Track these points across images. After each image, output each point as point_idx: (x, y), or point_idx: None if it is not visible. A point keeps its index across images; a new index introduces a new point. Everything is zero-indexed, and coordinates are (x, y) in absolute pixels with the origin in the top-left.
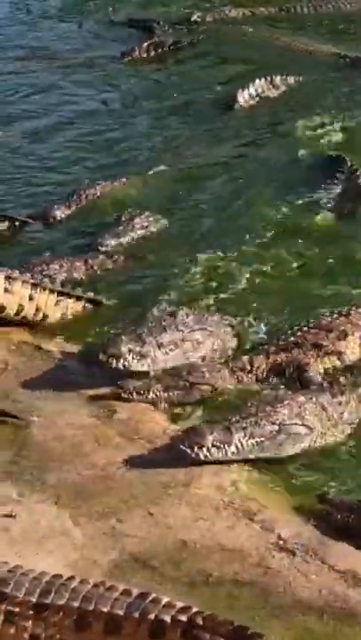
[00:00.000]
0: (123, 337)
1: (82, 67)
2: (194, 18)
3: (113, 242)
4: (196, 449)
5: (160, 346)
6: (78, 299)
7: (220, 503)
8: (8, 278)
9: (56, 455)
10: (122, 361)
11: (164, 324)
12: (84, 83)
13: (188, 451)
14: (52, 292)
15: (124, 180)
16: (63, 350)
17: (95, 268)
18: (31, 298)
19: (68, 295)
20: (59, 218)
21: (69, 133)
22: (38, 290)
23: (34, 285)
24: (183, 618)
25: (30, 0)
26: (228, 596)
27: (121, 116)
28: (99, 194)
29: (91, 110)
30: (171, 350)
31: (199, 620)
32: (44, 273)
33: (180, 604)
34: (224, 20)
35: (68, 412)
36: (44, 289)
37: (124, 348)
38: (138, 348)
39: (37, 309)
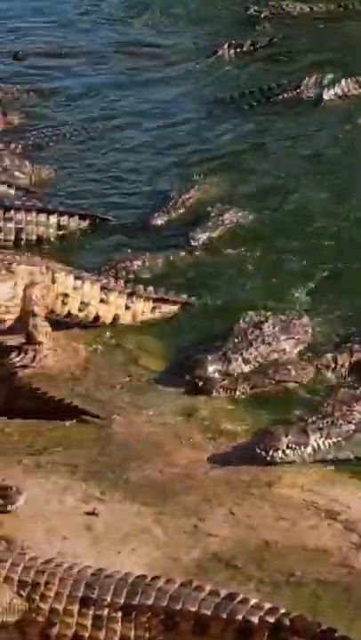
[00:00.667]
0: (208, 357)
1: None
2: (250, 12)
3: (203, 236)
4: (271, 452)
5: (246, 362)
6: (174, 302)
7: (302, 503)
8: (104, 289)
9: (138, 454)
10: (209, 384)
11: (250, 337)
12: (169, 79)
13: (263, 454)
14: (147, 299)
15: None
16: (144, 348)
17: (177, 263)
18: (127, 307)
19: (162, 300)
20: (159, 225)
21: (151, 133)
22: (134, 299)
23: (130, 295)
24: (271, 619)
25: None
26: (312, 596)
27: (204, 113)
28: (193, 196)
29: (171, 107)
30: (257, 364)
31: (287, 622)
32: (127, 270)
33: (267, 606)
34: (282, 14)
35: (149, 411)
36: (140, 297)
37: (210, 369)
38: (224, 368)
39: (134, 317)
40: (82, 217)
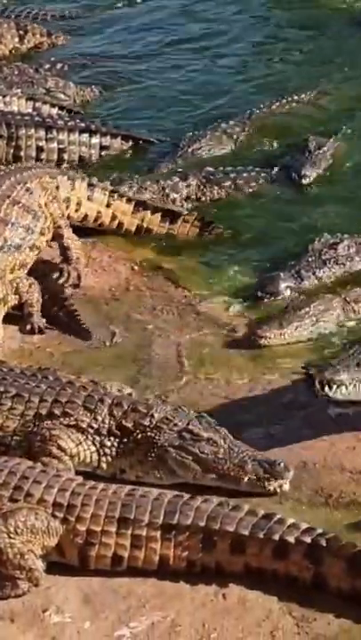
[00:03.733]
0: (281, 274)
1: None
2: None
3: (314, 173)
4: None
5: (319, 280)
6: (155, 210)
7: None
8: (90, 185)
9: (176, 374)
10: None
11: (324, 257)
12: None
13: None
14: (129, 200)
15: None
16: (184, 269)
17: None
18: (108, 205)
19: (144, 205)
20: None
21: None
22: (115, 196)
23: (111, 192)
24: (307, 539)
25: None
26: (348, 517)
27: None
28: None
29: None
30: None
31: (323, 542)
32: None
33: (304, 526)
34: None
35: (188, 331)
36: (122, 196)
37: (282, 286)
38: (296, 285)
39: (114, 217)
40: (125, 138)
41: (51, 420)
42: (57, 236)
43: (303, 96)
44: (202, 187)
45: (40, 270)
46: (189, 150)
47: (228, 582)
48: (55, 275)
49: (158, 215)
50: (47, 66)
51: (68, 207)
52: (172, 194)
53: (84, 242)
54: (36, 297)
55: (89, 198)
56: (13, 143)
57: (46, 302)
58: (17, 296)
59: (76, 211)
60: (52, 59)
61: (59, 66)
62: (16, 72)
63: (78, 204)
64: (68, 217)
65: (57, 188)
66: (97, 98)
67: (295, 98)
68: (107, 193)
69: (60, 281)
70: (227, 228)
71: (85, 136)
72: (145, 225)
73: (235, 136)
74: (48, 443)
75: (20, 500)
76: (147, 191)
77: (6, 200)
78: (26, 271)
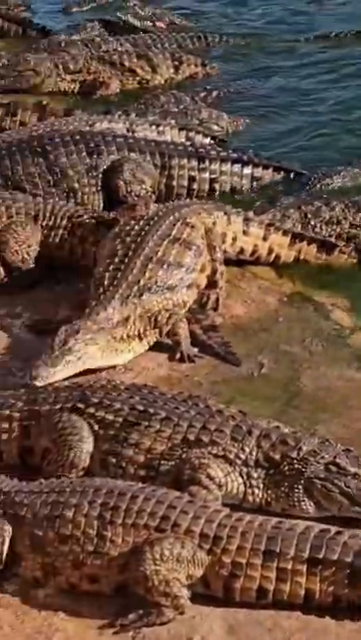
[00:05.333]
0: None
1: None
2: None
3: None
4: None
5: None
6: (311, 241)
7: None
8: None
9: (326, 407)
10: None
11: None
12: None
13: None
14: (285, 233)
15: None
16: (335, 303)
17: None
18: (265, 239)
19: (301, 237)
20: None
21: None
22: (272, 230)
23: (268, 226)
24: None
25: None
26: None
27: None
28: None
29: None
30: None
31: None
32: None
33: None
34: None
35: (338, 364)
36: (278, 230)
37: None
38: None
39: (270, 251)
40: (276, 169)
41: (199, 448)
42: (210, 270)
43: None
44: (346, 211)
45: None
46: (320, 185)
47: None
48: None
49: (315, 246)
50: (203, 94)
51: (224, 242)
52: (314, 219)
53: (234, 272)
54: (181, 327)
55: (245, 232)
56: (166, 172)
57: (194, 330)
58: (157, 330)
59: (232, 245)
60: (208, 87)
61: (214, 94)
62: (172, 100)
63: (234, 238)
64: (225, 251)
65: (214, 223)
66: (248, 128)
67: None
68: (263, 226)
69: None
70: None
71: (237, 167)
72: (302, 256)
73: None
74: (198, 471)
75: (167, 529)
76: (289, 219)
77: (166, 239)
78: (185, 310)
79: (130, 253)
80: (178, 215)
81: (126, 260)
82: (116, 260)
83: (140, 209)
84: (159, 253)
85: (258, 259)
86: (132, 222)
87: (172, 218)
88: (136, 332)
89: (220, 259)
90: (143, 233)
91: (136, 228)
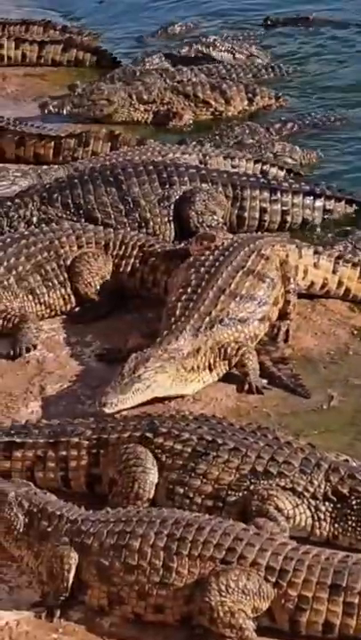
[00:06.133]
0: None
1: None
2: None
3: None
4: None
5: None
6: None
7: None
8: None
9: None
10: None
11: None
12: None
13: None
14: (355, 265)
15: None
16: None
17: None
18: (334, 272)
19: None
20: None
21: None
22: (341, 262)
23: (337, 258)
24: None
25: None
26: None
27: None
28: None
29: None
30: None
31: None
32: None
33: None
34: None
35: None
36: (348, 262)
37: None
38: None
39: (340, 284)
40: (348, 202)
41: (267, 479)
42: (283, 302)
43: None
44: None
45: None
46: None
47: None
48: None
49: None
50: (278, 125)
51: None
52: None
53: (305, 304)
54: (250, 358)
55: (315, 265)
56: (238, 204)
57: (263, 361)
58: (226, 361)
59: (303, 278)
60: (283, 118)
61: (289, 125)
62: (247, 132)
63: (305, 271)
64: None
65: (287, 256)
66: (321, 161)
67: None
68: (332, 259)
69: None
70: None
71: (309, 199)
72: None
73: None
74: (266, 502)
75: (232, 562)
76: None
77: (240, 271)
78: (255, 342)
79: (203, 284)
80: (253, 247)
81: (199, 291)
82: (189, 290)
83: (214, 239)
84: (232, 285)
85: (328, 292)
86: (207, 252)
87: (247, 249)
88: (206, 364)
89: (294, 290)
90: (217, 264)
91: (210, 258)
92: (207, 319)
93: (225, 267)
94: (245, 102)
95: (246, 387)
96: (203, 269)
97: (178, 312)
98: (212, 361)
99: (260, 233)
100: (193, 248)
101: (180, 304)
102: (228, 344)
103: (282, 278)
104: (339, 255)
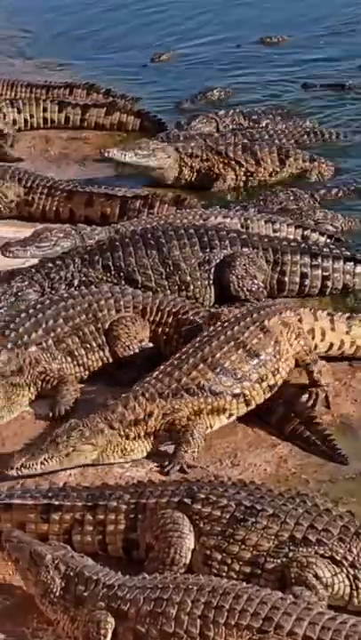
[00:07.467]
0: None
1: None
2: None
3: None
4: None
5: None
6: None
7: None
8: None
9: None
10: None
11: None
12: None
13: None
14: None
15: None
16: None
17: None
18: (347, 332)
19: None
20: None
21: None
22: (353, 323)
23: (348, 319)
24: None
25: None
26: None
27: None
28: None
29: None
30: None
31: None
32: None
33: None
34: None
35: None
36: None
37: None
38: None
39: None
40: None
41: (305, 547)
42: (306, 372)
43: None
44: None
45: (290, 394)
46: None
47: None
48: (304, 397)
49: None
50: (322, 191)
51: (313, 338)
52: None
53: (344, 370)
54: (195, 437)
55: (332, 328)
56: (278, 268)
57: (298, 427)
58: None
59: (322, 341)
60: (328, 184)
61: (333, 191)
62: (291, 197)
63: (323, 333)
64: (315, 347)
65: (300, 320)
66: None
67: None
68: (344, 320)
69: (309, 403)
70: None
71: (350, 264)
72: None
73: None
74: (305, 570)
75: (269, 631)
76: None
77: (231, 342)
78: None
79: (190, 351)
80: (256, 317)
81: (183, 358)
82: (176, 356)
83: (224, 315)
84: (216, 356)
85: (343, 353)
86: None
87: (248, 320)
88: (151, 431)
89: (314, 360)
90: (213, 334)
91: (211, 329)
92: (174, 385)
93: (217, 338)
94: (277, 164)
95: (167, 464)
96: (197, 339)
97: (150, 376)
98: (158, 428)
99: (273, 300)
100: (206, 323)
101: (157, 371)
102: (182, 414)
103: (298, 354)
104: (349, 316)
